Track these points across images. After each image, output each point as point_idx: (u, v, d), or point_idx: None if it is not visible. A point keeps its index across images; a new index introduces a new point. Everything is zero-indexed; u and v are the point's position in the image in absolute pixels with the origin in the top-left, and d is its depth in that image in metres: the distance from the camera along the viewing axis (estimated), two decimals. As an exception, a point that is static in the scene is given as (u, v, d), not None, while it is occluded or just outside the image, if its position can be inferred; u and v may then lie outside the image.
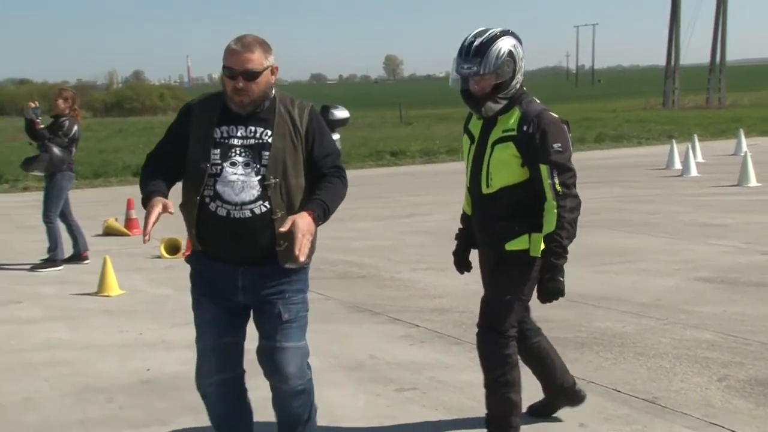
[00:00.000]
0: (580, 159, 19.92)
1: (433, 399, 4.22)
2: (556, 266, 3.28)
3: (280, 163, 2.90)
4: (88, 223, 10.40)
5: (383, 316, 5.91)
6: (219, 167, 2.89)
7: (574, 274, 7.07)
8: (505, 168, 3.35)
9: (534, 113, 3.32)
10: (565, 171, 3.29)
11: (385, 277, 7.08)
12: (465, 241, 3.75)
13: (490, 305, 3.51)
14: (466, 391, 4.27)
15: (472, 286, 6.50)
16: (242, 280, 2.99)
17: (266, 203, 2.88)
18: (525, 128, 3.30)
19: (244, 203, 2.88)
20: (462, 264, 3.77)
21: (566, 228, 3.27)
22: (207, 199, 2.91)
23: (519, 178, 3.36)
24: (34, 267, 7.81)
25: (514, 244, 3.40)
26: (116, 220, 10.00)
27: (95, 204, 12.62)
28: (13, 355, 5.15)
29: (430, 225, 9.82)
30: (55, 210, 7.79)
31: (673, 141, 16.64)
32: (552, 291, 3.30)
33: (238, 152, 2.91)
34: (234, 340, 3.12)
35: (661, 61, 38.97)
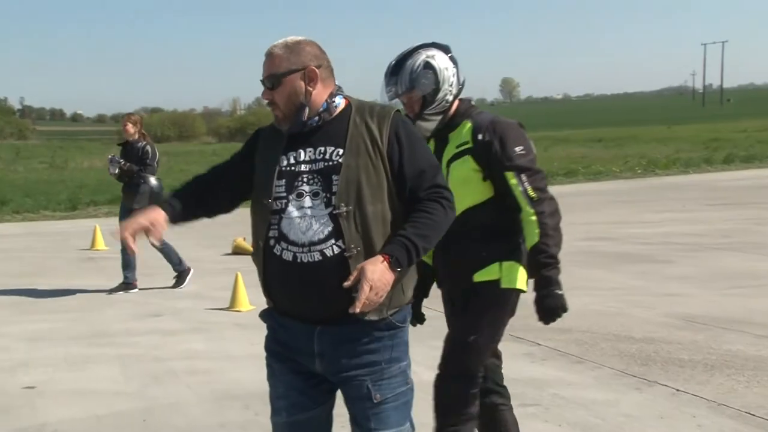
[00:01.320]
0: (706, 180, 19.19)
1: (556, 415, 4.24)
2: (551, 279, 2.93)
3: (354, 186, 2.29)
4: (217, 242, 10.99)
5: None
6: (284, 201, 2.34)
7: (702, 296, 6.97)
8: (466, 186, 3.00)
9: (487, 121, 3.06)
10: (534, 174, 2.99)
11: (505, 297, 7.10)
12: (417, 289, 3.30)
13: (453, 347, 3.09)
14: (591, 408, 4.27)
15: (592, 306, 6.47)
16: (318, 344, 2.37)
17: (340, 242, 2.28)
18: (480, 137, 3.01)
19: (312, 243, 2.29)
20: (416, 316, 3.31)
21: (551, 235, 2.94)
22: (272, 242, 2.35)
23: (484, 196, 3.04)
24: (175, 285, 8.31)
25: (483, 274, 3.03)
26: (244, 239, 10.49)
27: (223, 225, 13.21)
28: (157, 364, 5.54)
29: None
30: None
31: (812, 161, 15.80)
32: (553, 308, 2.94)
33: (305, 180, 2.34)
34: (312, 415, 2.48)
35: (796, 77, 37.02)
